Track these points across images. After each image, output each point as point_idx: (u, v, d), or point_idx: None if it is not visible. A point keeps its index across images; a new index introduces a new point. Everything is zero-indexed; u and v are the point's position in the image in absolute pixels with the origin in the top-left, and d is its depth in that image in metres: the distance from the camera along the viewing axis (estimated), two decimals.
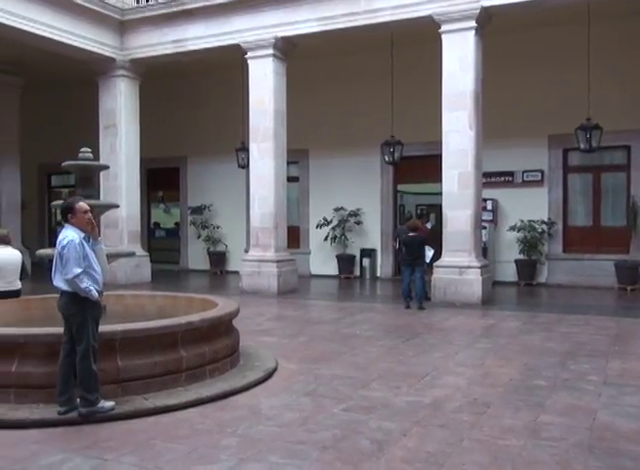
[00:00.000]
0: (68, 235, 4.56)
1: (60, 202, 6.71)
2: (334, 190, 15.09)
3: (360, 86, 14.61)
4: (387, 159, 13.35)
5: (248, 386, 5.33)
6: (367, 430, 4.32)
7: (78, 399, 4.49)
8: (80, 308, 4.49)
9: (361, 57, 14.27)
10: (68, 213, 4.68)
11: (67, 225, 4.69)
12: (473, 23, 10.50)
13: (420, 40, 12.41)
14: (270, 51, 12.14)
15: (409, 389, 5.37)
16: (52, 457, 3.83)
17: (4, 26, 11.19)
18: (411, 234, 10.32)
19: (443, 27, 10.70)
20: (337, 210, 14.87)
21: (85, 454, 3.88)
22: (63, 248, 4.51)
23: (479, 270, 10.51)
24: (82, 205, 4.72)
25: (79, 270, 4.46)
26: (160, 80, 15.31)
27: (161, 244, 17.82)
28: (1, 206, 15.38)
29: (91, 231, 4.70)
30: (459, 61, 10.60)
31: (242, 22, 12.28)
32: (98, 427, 4.38)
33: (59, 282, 4.57)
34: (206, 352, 5.41)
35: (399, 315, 9.63)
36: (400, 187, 15.37)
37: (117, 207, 8.30)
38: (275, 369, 5.91)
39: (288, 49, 12.43)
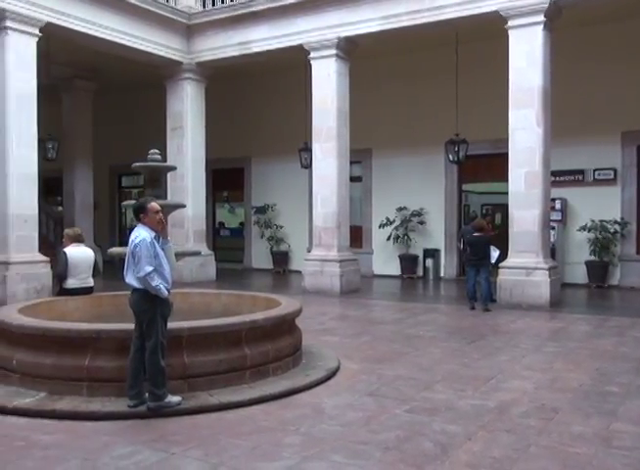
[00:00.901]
0: (141, 234, 4.67)
1: (130, 202, 6.94)
2: (397, 190, 14.98)
3: (423, 84, 14.47)
4: (451, 157, 13.15)
5: (310, 385, 5.35)
6: (431, 432, 4.27)
7: (147, 394, 4.63)
8: (151, 305, 4.60)
9: (424, 54, 14.12)
10: (141, 213, 4.79)
11: (139, 224, 4.80)
12: (541, 18, 10.21)
13: (485, 36, 12.18)
14: (333, 51, 12.17)
15: (474, 392, 5.27)
16: (122, 449, 3.96)
17: (79, 33, 11.66)
18: (476, 234, 10.13)
19: (510, 23, 10.45)
20: (399, 209, 14.76)
21: (153, 447, 3.99)
22: (135, 246, 4.62)
23: (546, 272, 10.21)
24: (154, 205, 4.83)
25: (150, 268, 4.57)
26: (225, 82, 15.58)
27: (226, 243, 18.14)
28: (75, 206, 16.03)
29: (161, 230, 4.83)
30: (526, 56, 10.33)
31: (305, 22, 12.36)
32: (165, 421, 4.49)
33: (131, 279, 4.69)
34: (270, 351, 5.47)
35: (464, 317, 9.47)
36: (465, 186, 15.11)
37: (184, 206, 8.49)
38: (337, 369, 5.91)
39: (350, 49, 12.43)
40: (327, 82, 12.29)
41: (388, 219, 14.76)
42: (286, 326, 5.87)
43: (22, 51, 10.78)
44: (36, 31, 10.93)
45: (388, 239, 14.78)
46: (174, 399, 4.66)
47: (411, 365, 6.22)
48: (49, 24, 11.03)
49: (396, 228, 14.77)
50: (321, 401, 4.98)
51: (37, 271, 10.94)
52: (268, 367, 5.43)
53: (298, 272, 13.73)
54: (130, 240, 4.74)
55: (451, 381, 5.61)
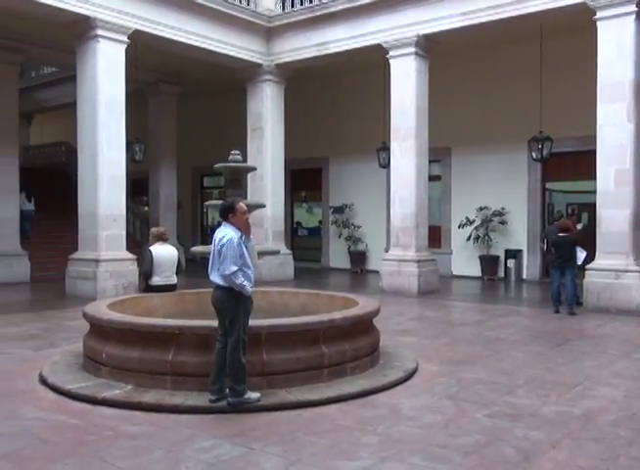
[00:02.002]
0: (228, 233, 4.74)
1: (213, 202, 7.12)
2: (477, 189, 14.66)
3: (505, 80, 14.08)
4: (534, 155, 12.72)
5: (388, 385, 5.32)
6: (512, 438, 4.15)
7: (228, 389, 4.73)
8: (234, 303, 4.68)
9: (506, 50, 13.75)
10: (230, 213, 4.85)
11: (225, 224, 4.87)
12: (633, 8, 9.71)
13: (571, 29, 11.72)
14: (412, 49, 12.04)
15: (558, 398, 5.08)
16: (204, 442, 4.07)
17: (164, 39, 12.09)
18: (561, 234, 9.76)
19: (599, 14, 9.99)
20: (480, 209, 14.44)
21: (233, 442, 4.08)
22: (222, 245, 4.69)
23: (638, 274, 9.70)
24: (242, 206, 4.91)
25: (235, 268, 4.65)
26: (304, 83, 15.73)
27: (304, 243, 18.31)
28: (160, 205, 16.64)
29: (247, 231, 4.92)
30: (616, 48, 9.85)
31: (383, 21, 12.30)
32: (245, 417, 4.58)
33: (215, 277, 4.78)
34: (347, 350, 5.47)
35: (548, 320, 9.15)
36: (549, 185, 14.58)
37: (264, 206, 8.63)
38: (415, 370, 5.84)
39: (430, 46, 12.26)
40: (406, 81, 12.18)
41: (467, 219, 14.47)
42: (363, 326, 5.86)
43: (112, 58, 11.28)
44: (125, 39, 11.41)
45: (468, 239, 14.49)
46: (254, 395, 4.74)
47: (492, 369, 6.07)
48: (137, 32, 11.49)
49: (477, 228, 14.45)
50: (399, 402, 4.94)
51: (125, 269, 11.42)
52: (346, 367, 5.43)
53: (376, 272, 13.68)
54: (216, 238, 4.80)
55: (534, 386, 5.43)
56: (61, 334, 7.73)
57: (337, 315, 5.62)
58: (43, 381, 5.42)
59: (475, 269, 14.67)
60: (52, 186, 17.98)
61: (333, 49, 13.14)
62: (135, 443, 4.07)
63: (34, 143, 23.23)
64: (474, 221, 14.46)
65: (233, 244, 4.68)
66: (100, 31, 11.03)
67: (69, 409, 4.75)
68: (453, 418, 4.56)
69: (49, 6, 10.32)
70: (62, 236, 14.19)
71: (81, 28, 11.10)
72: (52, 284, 12.42)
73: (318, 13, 13.09)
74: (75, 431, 4.31)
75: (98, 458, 3.80)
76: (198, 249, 7.34)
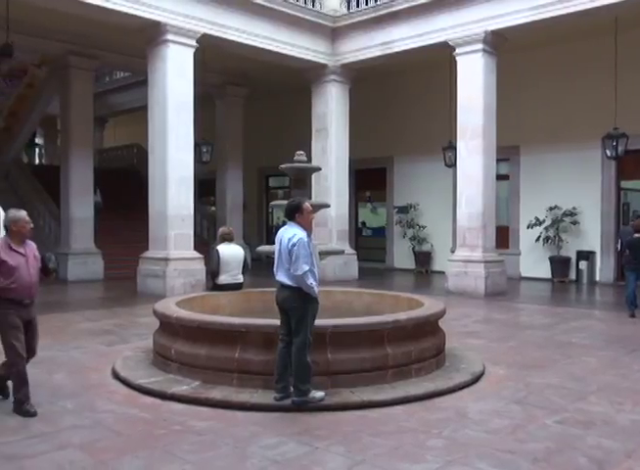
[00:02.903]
0: (297, 233, 4.77)
1: (279, 202, 7.19)
2: (547, 188, 14.22)
3: (577, 76, 13.62)
4: (608, 153, 12.23)
5: (454, 388, 5.23)
6: (584, 446, 4.00)
7: (292, 388, 4.76)
8: (302, 303, 4.71)
9: (577, 44, 13.30)
10: (296, 213, 4.88)
11: (291, 223, 4.90)
12: None
13: None
14: (479, 46, 11.81)
15: (634, 406, 4.86)
16: (269, 440, 4.11)
17: (231, 42, 12.31)
18: (637, 235, 9.35)
19: None
20: (550, 209, 14.01)
21: (298, 440, 4.10)
22: (293, 245, 4.70)
23: None
24: (308, 206, 4.95)
25: (307, 267, 4.67)
26: (368, 83, 15.68)
27: (368, 243, 18.25)
28: (226, 206, 16.95)
29: (309, 230, 4.95)
30: None
31: (448, 18, 12.12)
32: (309, 415, 4.60)
33: (282, 277, 4.81)
34: (412, 351, 5.41)
35: (622, 324, 8.78)
36: (624, 184, 13.99)
37: (329, 206, 8.64)
38: (482, 373, 5.72)
39: (498, 43, 11.99)
40: (473, 78, 11.96)
41: (537, 219, 14.06)
42: (429, 327, 5.78)
43: (181, 61, 11.58)
44: (193, 43, 11.69)
45: (538, 240, 14.08)
46: (318, 394, 4.76)
47: (563, 374, 5.87)
48: (205, 35, 11.75)
49: (546, 229, 14.03)
50: (465, 406, 4.85)
51: (193, 267, 11.69)
52: (410, 368, 5.38)
53: (441, 273, 13.49)
54: (284, 238, 4.81)
55: (608, 393, 5.22)
56: (132, 330, 7.99)
57: (401, 316, 5.57)
58: (115, 375, 5.61)
59: (544, 271, 14.24)
60: (124, 187, 18.61)
61: (397, 48, 13.05)
62: (202, 438, 4.16)
63: (107, 145, 24.11)
64: (543, 221, 14.04)
65: (304, 243, 4.70)
66: (170, 36, 11.33)
67: (140, 403, 4.90)
68: (522, 423, 4.44)
69: (122, 13, 10.69)
70: (133, 235, 14.65)
71: (152, 34, 11.45)
72: (124, 282, 12.86)
73: (382, 12, 13.02)
74: (146, 424, 4.44)
75: (167, 452, 3.90)
76: (263, 248, 7.43)
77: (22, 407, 4.58)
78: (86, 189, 14.32)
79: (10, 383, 4.83)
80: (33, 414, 4.53)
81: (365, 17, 13.40)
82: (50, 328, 8.21)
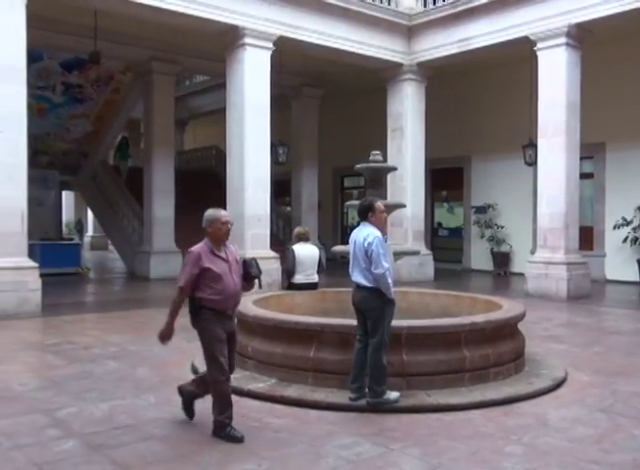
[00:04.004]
0: (372, 232, 4.76)
1: (353, 202, 7.19)
2: (635, 186, 13.54)
3: None
4: None
5: (534, 393, 5.07)
6: None
7: (367, 389, 4.75)
8: (379, 304, 4.68)
9: None
10: (369, 212, 4.88)
11: (365, 223, 4.89)
12: None
13: None
14: (562, 40, 11.39)
15: None
16: (344, 439, 4.11)
17: (308, 44, 12.41)
18: None
19: None
20: (638, 208, 13.34)
21: (373, 441, 4.09)
22: (369, 244, 4.69)
23: None
24: (380, 205, 4.94)
25: (387, 266, 4.67)
26: (445, 81, 15.42)
27: (444, 243, 17.97)
28: (301, 206, 17.11)
29: (383, 230, 4.93)
30: None
31: (529, 12, 11.76)
32: (384, 417, 4.57)
33: (358, 277, 4.80)
34: (490, 355, 5.28)
35: None
36: None
37: (404, 206, 8.60)
38: (564, 379, 5.52)
39: (582, 36, 11.53)
40: (555, 74, 11.54)
41: (624, 219, 13.42)
42: (508, 330, 5.63)
43: (258, 64, 11.78)
44: (270, 45, 11.87)
45: (625, 241, 13.44)
46: (392, 395, 4.72)
47: None
48: (281, 38, 11.90)
49: (635, 229, 13.36)
50: (546, 412, 4.69)
51: (268, 266, 11.82)
52: (488, 372, 5.25)
53: (521, 275, 13.11)
54: (359, 238, 4.80)
55: None
56: None
57: (479, 318, 5.45)
58: (195, 371, 5.76)
59: (632, 274, 13.57)
60: (203, 188, 19.08)
61: (475, 44, 12.77)
62: (278, 435, 4.21)
63: (187, 147, 24.83)
64: (631, 222, 13.39)
65: (380, 242, 4.69)
66: (247, 39, 11.55)
67: None
68: (607, 433, 4.25)
69: (203, 19, 10.98)
70: None
71: (230, 38, 11.70)
72: None
73: (460, 8, 12.79)
74: None
75: (244, 447, 3.98)
76: (338, 248, 7.45)
77: (227, 431, 4.10)
78: (167, 190, 14.80)
79: (197, 402, 4.51)
80: (240, 440, 4.03)
81: (442, 14, 13.21)
82: (133, 323, 8.56)
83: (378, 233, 4.76)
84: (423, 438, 4.15)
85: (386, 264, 4.63)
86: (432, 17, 13.42)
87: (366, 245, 4.71)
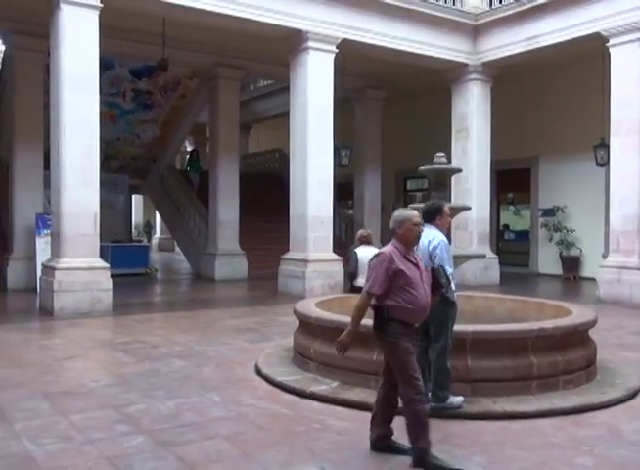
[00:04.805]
0: (437, 236, 4.71)
1: (417, 204, 7.11)
2: None
3: None
4: None
5: (606, 403, 4.87)
6: None
7: (430, 394, 4.68)
8: (442, 308, 4.61)
9: None
10: (437, 215, 4.83)
11: (429, 226, 4.80)
12: None
13: None
14: (637, 35, 10.93)
15: None
16: (407, 444, 4.05)
17: (371, 46, 12.39)
18: None
19: None
20: None
21: (437, 447, 4.00)
22: (434, 248, 4.63)
23: None
24: (447, 208, 4.90)
25: (451, 270, 4.62)
26: (510, 80, 15.07)
27: (511, 246, 17.54)
28: (364, 208, 17.07)
29: (448, 233, 4.87)
30: None
31: (602, 8, 11.34)
32: (448, 423, 4.49)
33: None
34: (559, 362, 5.12)
35: None
36: None
37: (469, 209, 8.43)
38: (639, 389, 5.28)
39: None
40: (629, 70, 11.09)
41: None
42: (578, 337, 5.44)
43: (321, 67, 11.84)
44: (333, 48, 11.91)
45: None
46: (456, 399, 4.64)
47: None
48: (344, 41, 11.92)
49: None
50: (619, 423, 4.50)
51: (331, 269, 11.89)
52: (557, 379, 5.09)
53: (591, 280, 12.65)
54: (424, 241, 4.65)
55: None
56: (274, 329, 8.27)
57: (547, 324, 5.29)
58: (258, 371, 5.84)
59: None
60: (266, 191, 19.36)
61: (543, 42, 12.43)
62: (341, 437, 4.21)
63: (251, 151, 25.21)
64: None
65: (446, 246, 4.64)
66: (310, 43, 11.63)
67: (281, 400, 5.06)
68: None
69: (267, 24, 11.13)
70: (275, 237, 15.21)
71: (294, 42, 11.81)
72: (266, 281, 13.35)
73: (527, 6, 12.48)
74: (286, 421, 4.57)
75: (306, 449, 3.99)
76: None
77: (428, 460, 3.65)
78: (232, 193, 15.06)
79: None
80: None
81: (508, 12, 12.92)
82: (199, 324, 8.75)
83: (443, 237, 4.70)
84: (489, 445, 4.05)
85: (449, 269, 4.57)
86: (497, 15, 13.15)
87: (430, 248, 4.65)
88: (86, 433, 4.22)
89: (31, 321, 9.24)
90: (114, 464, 3.72)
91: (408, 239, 3.85)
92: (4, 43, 13.46)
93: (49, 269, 9.61)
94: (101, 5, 9.54)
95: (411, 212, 3.90)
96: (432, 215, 4.84)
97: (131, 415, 4.62)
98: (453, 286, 4.64)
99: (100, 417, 4.57)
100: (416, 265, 3.85)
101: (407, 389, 3.75)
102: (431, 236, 4.71)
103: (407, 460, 3.77)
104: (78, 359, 6.54)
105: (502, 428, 4.40)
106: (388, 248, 3.84)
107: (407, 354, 3.76)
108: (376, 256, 3.83)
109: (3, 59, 14.61)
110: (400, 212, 3.92)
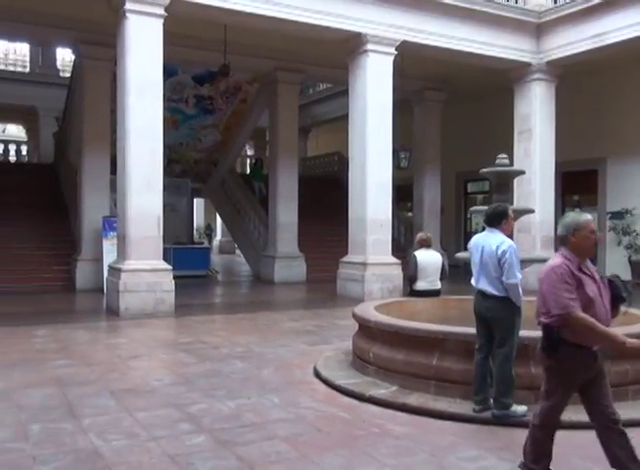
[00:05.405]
0: (506, 240, 4.62)
1: (479, 207, 7.00)
2: None
3: None
4: None
5: None
6: None
7: (492, 401, 4.59)
8: (509, 313, 4.54)
9: None
10: (503, 219, 4.74)
11: (493, 230, 4.73)
12: None
13: None
14: None
15: None
16: (467, 452, 4.00)
17: (431, 47, 12.27)
18: None
19: None
20: None
21: (498, 455, 3.94)
22: (504, 253, 4.54)
23: None
24: (511, 212, 4.82)
25: (520, 276, 4.54)
26: (575, 79, 14.63)
27: None
28: (423, 211, 16.89)
29: (511, 237, 4.78)
30: None
31: None
32: (510, 430, 4.38)
33: (485, 285, 4.64)
34: (629, 371, 4.92)
35: None
36: None
37: (533, 212, 8.25)
38: None
39: None
40: None
41: None
42: None
43: (380, 70, 11.80)
44: (392, 50, 11.85)
45: None
46: (520, 408, 4.53)
47: None
48: (404, 42, 11.85)
49: None
50: None
51: (390, 272, 11.82)
52: (627, 389, 4.91)
53: None
54: (490, 245, 4.63)
55: None
56: (332, 332, 8.28)
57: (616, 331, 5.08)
58: (317, 374, 5.86)
59: None
60: (325, 194, 19.41)
61: (612, 39, 12.00)
62: (400, 442, 4.17)
63: (310, 154, 25.35)
64: None
65: (515, 250, 4.55)
66: (370, 46, 11.60)
67: (339, 403, 5.06)
68: None
69: (327, 28, 11.18)
70: (334, 240, 15.24)
71: (353, 45, 11.81)
72: (324, 284, 13.39)
73: (595, 2, 12.08)
74: (345, 424, 4.56)
75: (365, 453, 3.97)
76: (463, 254, 7.26)
77: None
78: (291, 196, 15.18)
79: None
80: None
81: (574, 9, 12.54)
82: (259, 326, 8.85)
83: (511, 241, 4.61)
84: (555, 456, 3.90)
85: (519, 275, 4.49)
86: (563, 12, 12.78)
87: (499, 253, 4.55)
88: (150, 430, 4.33)
89: (99, 321, 9.58)
90: (177, 462, 3.80)
91: (584, 248, 3.34)
92: (74, 53, 14.01)
93: (115, 271, 9.93)
94: (165, 14, 9.81)
95: (587, 217, 3.39)
96: (497, 219, 4.74)
97: (193, 414, 4.71)
98: (521, 291, 4.55)
99: (163, 415, 4.69)
100: (593, 278, 3.32)
101: (548, 412, 3.47)
102: (499, 240, 4.62)
103: None
104: (143, 359, 6.72)
105: (568, 438, 4.24)
106: (560, 261, 3.30)
107: (571, 387, 3.41)
108: (551, 269, 3.29)
109: (73, 68, 15.21)
110: (574, 218, 3.39)
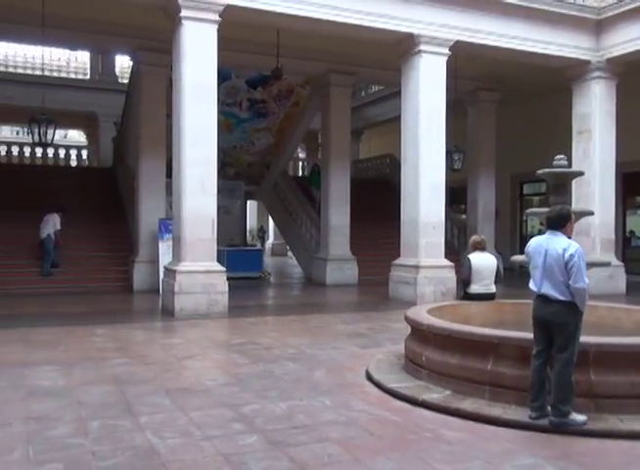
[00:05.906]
0: (572, 243, 4.52)
1: (536, 209, 6.85)
2: None
3: None
4: None
5: None
6: None
7: (550, 408, 4.46)
8: (573, 318, 4.44)
9: None
10: (567, 222, 4.63)
11: (556, 233, 4.62)
12: None
13: None
14: None
15: None
16: (523, 459, 3.90)
17: (485, 47, 12.06)
18: None
19: None
20: None
21: (555, 464, 3.83)
22: (571, 256, 4.43)
23: None
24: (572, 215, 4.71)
25: (588, 281, 4.44)
26: (636, 77, 14.11)
27: (639, 254, 16.40)
28: (477, 213, 16.61)
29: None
30: None
31: None
32: (568, 439, 4.27)
33: (550, 290, 4.52)
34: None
35: None
36: None
37: (592, 214, 8.01)
38: None
39: None
40: None
41: None
42: None
43: (433, 70, 11.66)
44: (446, 51, 11.71)
45: None
46: (579, 417, 4.39)
47: None
48: (457, 42, 11.69)
49: None
50: None
51: (443, 275, 11.66)
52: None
53: None
54: (556, 249, 4.51)
55: None
56: (384, 334, 8.23)
57: None
58: (369, 377, 5.83)
59: None
60: (377, 196, 19.33)
61: None
62: (453, 448, 4.11)
63: (362, 156, 25.31)
64: None
65: (582, 254, 4.45)
66: (423, 47, 11.49)
67: (391, 406, 5.01)
68: None
69: (379, 29, 11.13)
70: (386, 242, 15.15)
71: (406, 46, 11.72)
72: (376, 287, 13.32)
73: None
74: (397, 428, 4.52)
75: (418, 458, 3.93)
76: (519, 258, 7.12)
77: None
78: (343, 198, 15.18)
79: None
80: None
81: (636, 4, 12.10)
82: (311, 328, 8.88)
83: (578, 245, 4.49)
84: (615, 467, 3.80)
85: (587, 279, 4.39)
86: (624, 8, 12.35)
87: (567, 257, 4.43)
88: (204, 429, 4.40)
89: (154, 321, 9.80)
90: (230, 461, 3.84)
91: None
92: (132, 60, 14.40)
93: (170, 272, 10.13)
94: (219, 19, 9.97)
95: None
96: (561, 222, 4.63)
97: (246, 414, 4.75)
98: (587, 296, 4.45)
99: (216, 415, 4.75)
100: None
101: None
102: (565, 244, 4.50)
103: None
104: (197, 359, 6.83)
105: (630, 448, 4.11)
106: None
107: None
108: None
109: (131, 74, 15.63)
110: None
